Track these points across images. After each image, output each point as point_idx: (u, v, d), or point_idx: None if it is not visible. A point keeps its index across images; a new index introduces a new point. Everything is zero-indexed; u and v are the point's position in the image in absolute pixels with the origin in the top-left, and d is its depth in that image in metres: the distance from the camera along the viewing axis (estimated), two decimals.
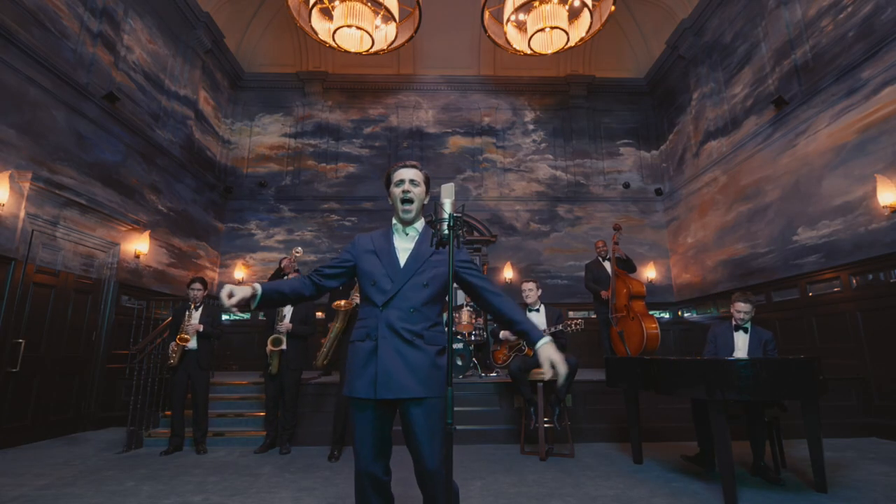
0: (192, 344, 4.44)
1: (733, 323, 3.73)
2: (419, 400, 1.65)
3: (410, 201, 1.82)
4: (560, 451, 4.24)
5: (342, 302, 4.46)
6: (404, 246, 1.83)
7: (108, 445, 4.59)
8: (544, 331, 4.22)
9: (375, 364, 1.66)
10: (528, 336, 1.77)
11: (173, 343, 4.38)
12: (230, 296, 1.66)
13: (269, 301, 1.79)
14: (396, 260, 1.80)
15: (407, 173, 1.85)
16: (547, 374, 1.65)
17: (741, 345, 3.67)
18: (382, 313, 1.71)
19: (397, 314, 1.71)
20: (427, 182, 1.91)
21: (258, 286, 1.76)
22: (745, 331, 3.69)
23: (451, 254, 1.54)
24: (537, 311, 4.47)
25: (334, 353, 4.48)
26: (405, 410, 1.67)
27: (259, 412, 5.03)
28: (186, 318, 4.45)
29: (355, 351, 1.75)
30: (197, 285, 4.53)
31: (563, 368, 1.64)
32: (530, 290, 4.44)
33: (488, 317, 8.11)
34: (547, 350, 1.68)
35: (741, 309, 3.64)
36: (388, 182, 1.89)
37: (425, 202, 1.91)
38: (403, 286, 1.73)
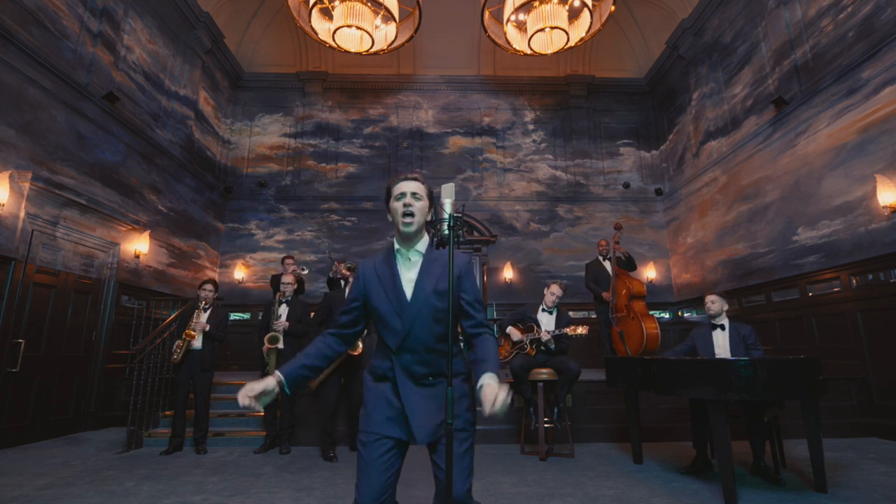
0: (197, 344, 4.47)
1: (710, 322, 3.79)
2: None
3: (412, 214, 1.65)
4: (560, 451, 4.24)
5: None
6: (409, 276, 1.68)
7: (107, 445, 4.59)
8: (549, 332, 4.22)
9: (402, 409, 1.58)
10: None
11: (179, 340, 4.41)
12: (250, 392, 1.50)
13: (300, 382, 1.64)
14: (402, 293, 1.64)
15: (408, 186, 1.68)
16: (486, 408, 1.42)
17: (721, 342, 3.70)
18: (397, 358, 1.61)
19: (412, 357, 1.60)
20: (430, 196, 1.74)
21: (279, 374, 1.59)
22: (723, 328, 3.72)
23: (451, 254, 1.49)
24: (550, 313, 4.46)
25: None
26: (436, 443, 1.56)
27: (259, 412, 5.02)
28: (195, 316, 4.48)
29: (374, 391, 1.64)
30: (209, 286, 4.62)
31: (496, 401, 1.43)
32: (552, 294, 4.44)
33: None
34: (487, 388, 1.48)
35: (708, 300, 3.75)
36: (388, 196, 1.72)
37: (428, 218, 1.74)
38: (414, 325, 1.60)
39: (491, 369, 1.54)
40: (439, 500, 1.57)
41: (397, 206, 1.68)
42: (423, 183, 1.73)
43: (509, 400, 1.45)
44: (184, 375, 4.44)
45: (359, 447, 1.59)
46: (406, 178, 1.71)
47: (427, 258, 1.69)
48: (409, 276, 1.68)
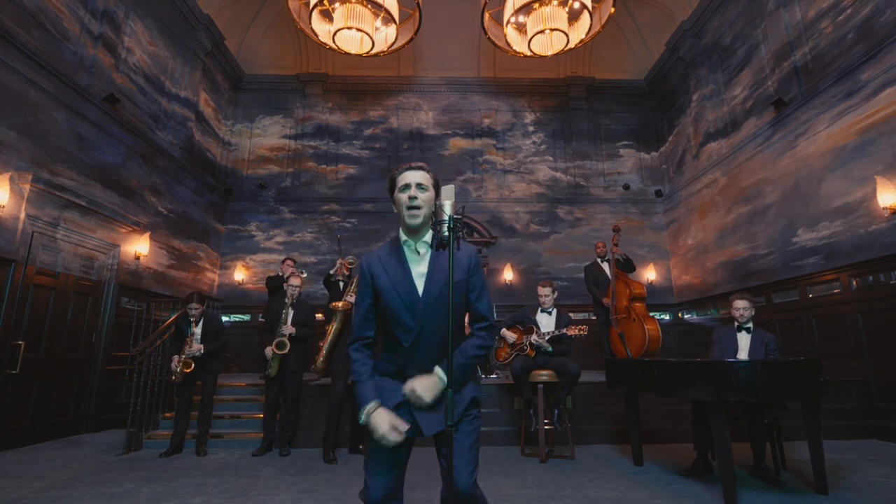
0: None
1: (735, 324, 3.74)
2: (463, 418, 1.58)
3: (418, 207, 1.61)
4: (560, 453, 4.23)
5: (339, 303, 4.50)
6: (419, 270, 1.64)
7: (107, 447, 4.58)
8: (548, 332, 4.22)
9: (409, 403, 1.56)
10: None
11: (179, 364, 4.32)
12: (395, 426, 1.50)
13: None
14: (414, 288, 1.61)
15: (413, 176, 1.63)
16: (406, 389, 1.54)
17: (744, 345, 3.68)
18: (411, 352, 1.59)
19: (426, 352, 1.59)
20: (436, 185, 1.69)
21: (377, 401, 1.56)
22: (748, 331, 3.70)
23: (452, 255, 1.47)
24: (549, 313, 4.46)
25: (330, 353, 4.51)
26: (442, 434, 1.55)
27: (259, 414, 5.02)
28: (189, 337, 4.43)
29: (383, 385, 1.61)
30: (194, 305, 4.45)
31: (419, 396, 1.53)
32: (545, 296, 4.44)
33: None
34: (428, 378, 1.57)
35: (739, 306, 3.67)
36: (392, 187, 1.68)
37: (434, 209, 1.70)
38: (426, 320, 1.59)
39: (445, 367, 1.56)
40: (448, 491, 1.58)
41: (402, 197, 1.63)
42: (428, 172, 1.67)
43: (425, 400, 1.52)
44: (189, 377, 4.42)
45: (370, 442, 1.58)
46: (411, 168, 1.66)
47: (436, 250, 1.63)
48: (419, 270, 1.63)
